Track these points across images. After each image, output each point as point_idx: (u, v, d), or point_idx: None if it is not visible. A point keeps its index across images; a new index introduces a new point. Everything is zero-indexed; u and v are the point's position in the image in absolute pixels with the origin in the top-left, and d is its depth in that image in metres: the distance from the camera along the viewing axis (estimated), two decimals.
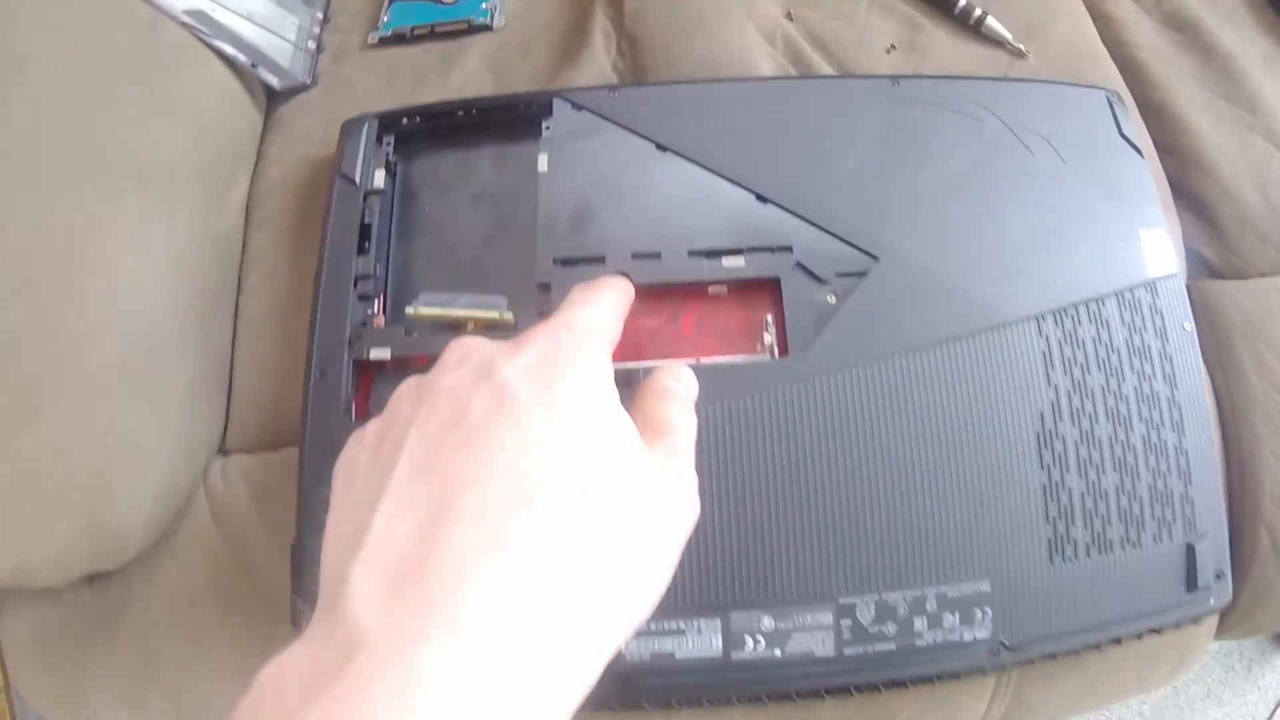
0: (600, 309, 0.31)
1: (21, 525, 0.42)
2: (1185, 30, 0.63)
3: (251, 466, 0.50)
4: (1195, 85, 0.61)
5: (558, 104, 0.50)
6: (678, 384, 0.33)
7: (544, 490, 0.24)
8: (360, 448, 0.28)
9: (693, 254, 0.46)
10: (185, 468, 0.48)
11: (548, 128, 0.49)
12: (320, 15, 0.61)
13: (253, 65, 0.56)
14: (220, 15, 0.54)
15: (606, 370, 0.28)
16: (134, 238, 0.47)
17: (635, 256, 0.46)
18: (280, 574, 0.44)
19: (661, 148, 0.48)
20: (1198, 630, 0.51)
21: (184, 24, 0.53)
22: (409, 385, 0.29)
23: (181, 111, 0.52)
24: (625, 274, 0.40)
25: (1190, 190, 0.59)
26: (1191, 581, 0.45)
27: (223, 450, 0.52)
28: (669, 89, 0.51)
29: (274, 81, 0.57)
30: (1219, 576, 0.45)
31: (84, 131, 0.47)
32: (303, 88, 0.59)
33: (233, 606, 0.47)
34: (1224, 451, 0.53)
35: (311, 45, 0.59)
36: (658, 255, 0.46)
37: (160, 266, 0.48)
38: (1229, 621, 0.54)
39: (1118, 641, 0.44)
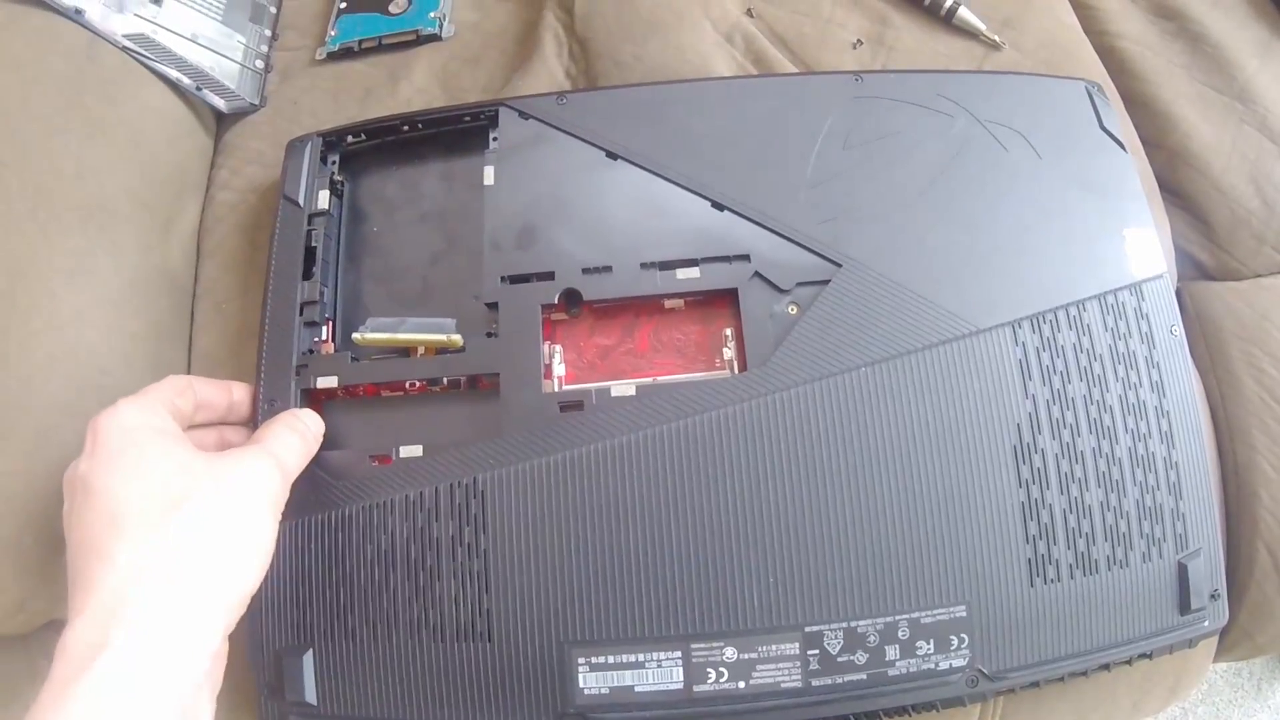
0: None
1: None
2: (1173, 18, 0.61)
3: None
4: (1184, 76, 0.58)
5: (504, 113, 0.48)
6: (290, 417, 0.42)
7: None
8: None
9: (645, 266, 0.44)
10: None
11: (495, 139, 0.48)
12: (268, 33, 0.59)
13: (197, 89, 0.54)
14: (163, 38, 0.53)
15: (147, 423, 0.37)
16: (78, 272, 0.46)
17: (585, 271, 0.44)
18: None
19: (612, 155, 0.47)
20: (1195, 653, 0.49)
21: (124, 48, 0.52)
22: None
23: (123, 140, 0.50)
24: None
25: (1179, 187, 0.57)
26: (1185, 603, 0.42)
27: None
28: (618, 93, 0.49)
29: (220, 104, 0.56)
30: (1214, 597, 0.43)
31: (22, 164, 0.46)
32: (251, 109, 0.57)
33: None
34: (1219, 464, 0.51)
35: (259, 65, 0.58)
36: (609, 269, 0.44)
37: (107, 301, 0.47)
38: (1228, 643, 0.52)
39: (1106, 668, 0.42)
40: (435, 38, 0.58)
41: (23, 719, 0.30)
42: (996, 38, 0.56)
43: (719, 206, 0.45)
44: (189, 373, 0.51)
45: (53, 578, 0.42)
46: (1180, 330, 0.45)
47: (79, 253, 0.46)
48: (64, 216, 0.46)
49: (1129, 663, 0.42)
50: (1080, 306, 0.44)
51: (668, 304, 0.45)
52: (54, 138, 0.47)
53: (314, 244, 0.47)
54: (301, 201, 0.48)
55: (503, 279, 0.45)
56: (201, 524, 0.35)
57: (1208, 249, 0.56)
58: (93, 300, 0.46)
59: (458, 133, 0.49)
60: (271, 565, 0.40)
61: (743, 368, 0.43)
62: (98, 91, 0.50)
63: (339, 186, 0.50)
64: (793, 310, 0.44)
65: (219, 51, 0.56)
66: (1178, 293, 0.55)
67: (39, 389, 0.43)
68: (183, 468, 0.36)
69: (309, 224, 0.47)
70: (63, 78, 0.49)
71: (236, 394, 0.44)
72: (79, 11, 0.51)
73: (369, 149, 0.50)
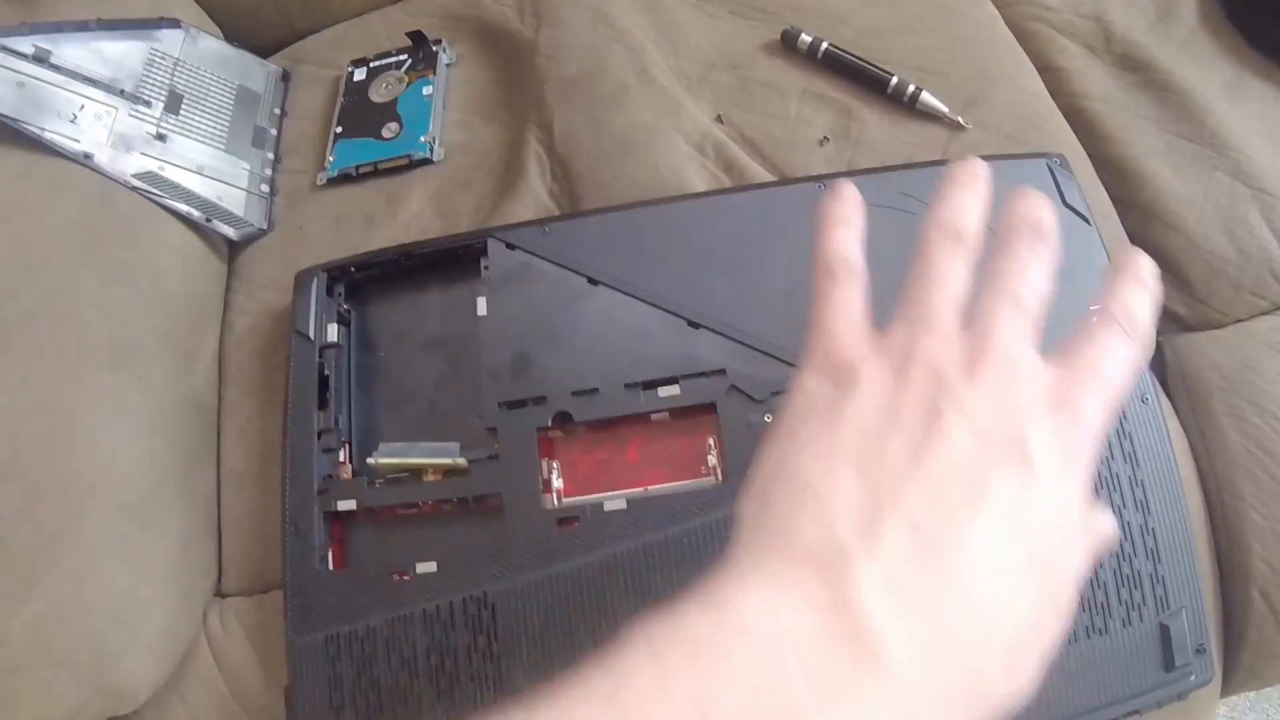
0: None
1: (34, 690, 0.45)
2: (1139, 70, 0.61)
3: (247, 610, 0.52)
4: (1153, 129, 0.59)
5: (492, 245, 0.51)
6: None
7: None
8: (860, 392, 0.27)
9: (629, 386, 0.47)
10: (184, 617, 0.51)
11: (486, 268, 0.51)
12: (271, 156, 0.62)
13: (207, 219, 0.58)
14: (170, 173, 0.56)
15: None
16: (112, 410, 0.50)
17: (575, 394, 0.47)
18: (279, 711, 0.46)
19: (593, 281, 0.49)
20: (1196, 702, 0.50)
21: (135, 188, 0.55)
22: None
23: (143, 280, 0.54)
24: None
25: (1154, 244, 0.57)
26: (1169, 661, 0.44)
27: (220, 594, 0.54)
28: (596, 220, 0.52)
29: (231, 233, 0.59)
30: (1199, 651, 0.44)
31: (48, 311, 0.50)
32: (260, 234, 0.60)
33: None
34: (1208, 515, 0.52)
35: (265, 189, 0.61)
36: (596, 391, 0.47)
37: (140, 433, 0.50)
38: (1235, 682, 0.53)
39: None
40: (427, 161, 0.61)
41: None
42: (960, 119, 0.57)
43: (694, 325, 0.48)
44: (219, 491, 0.55)
45: (105, 689, 0.46)
46: (1153, 397, 0.47)
47: (110, 391, 0.50)
48: (93, 358, 0.50)
49: None
50: None
51: (654, 417, 0.48)
52: (77, 283, 0.51)
53: (326, 374, 0.50)
54: (312, 335, 0.51)
55: (500, 404, 0.48)
56: None
57: (1186, 302, 0.57)
58: (126, 434, 0.50)
59: (454, 260, 0.53)
60: (306, 672, 0.45)
61: (726, 475, 0.46)
62: (115, 235, 0.54)
63: (346, 316, 0.53)
64: (768, 419, 0.46)
65: (225, 180, 0.59)
66: (1158, 347, 0.56)
67: (82, 518, 0.47)
68: None
69: (320, 356, 0.51)
70: (80, 224, 0.53)
71: None
72: (88, 156, 0.54)
73: (373, 277, 0.54)
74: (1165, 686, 0.44)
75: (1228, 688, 0.54)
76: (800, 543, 0.25)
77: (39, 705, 0.45)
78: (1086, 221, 0.50)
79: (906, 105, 0.58)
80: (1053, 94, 0.61)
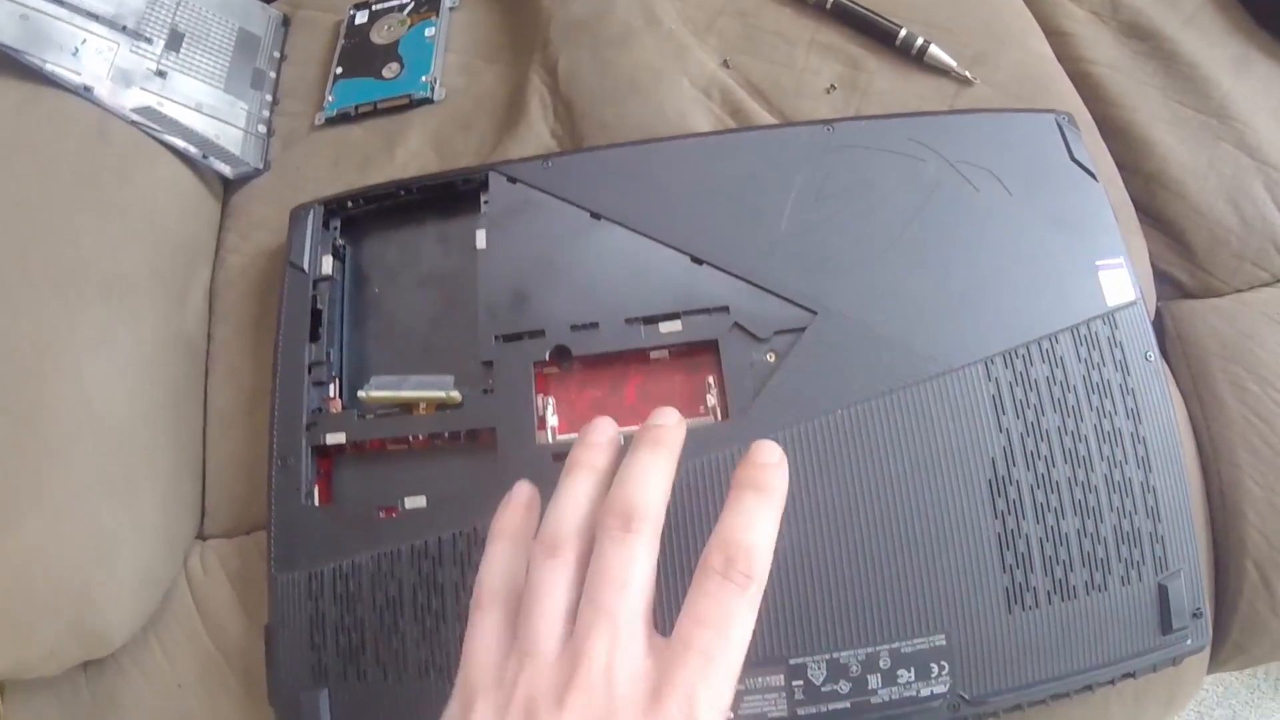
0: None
1: (12, 628, 0.43)
2: (1146, 39, 0.61)
3: (228, 552, 0.51)
4: (1159, 98, 0.59)
5: (493, 178, 0.50)
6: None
7: None
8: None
9: (630, 321, 0.46)
10: (165, 559, 0.50)
11: (486, 203, 0.50)
12: (269, 98, 0.62)
13: (204, 157, 0.57)
14: (169, 109, 0.56)
15: None
16: (100, 344, 0.49)
17: (574, 328, 0.47)
18: (258, 655, 0.45)
19: (596, 216, 0.49)
20: (1187, 669, 0.50)
21: (133, 122, 0.54)
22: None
23: (137, 215, 0.53)
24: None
25: (1157, 210, 0.57)
26: (1166, 623, 0.43)
27: (201, 536, 0.53)
28: (600, 155, 0.51)
29: (227, 171, 0.58)
30: (1196, 615, 0.44)
31: (43, 243, 0.49)
32: (256, 174, 0.60)
33: (217, 689, 0.48)
34: (1204, 484, 0.52)
35: (262, 129, 0.61)
36: (595, 325, 0.46)
37: (128, 369, 0.50)
38: (1222, 657, 0.52)
39: (1090, 689, 0.43)
40: (428, 101, 0.60)
41: None
42: (968, 74, 0.57)
43: (698, 261, 0.47)
44: (204, 431, 0.54)
45: (83, 630, 0.45)
46: (1155, 355, 0.46)
47: (100, 325, 0.49)
48: (85, 291, 0.49)
49: (1112, 682, 0.43)
50: (1053, 339, 0.46)
51: (653, 355, 0.47)
52: (73, 216, 0.50)
53: (319, 307, 0.49)
54: (306, 267, 0.50)
55: (497, 338, 0.47)
56: None
57: (1188, 269, 0.57)
58: (115, 369, 0.49)
59: (452, 196, 0.52)
60: (289, 611, 0.44)
61: (725, 415, 0.45)
62: (111, 169, 0.53)
63: (341, 251, 0.52)
64: (771, 358, 0.45)
65: (223, 119, 0.59)
66: (1158, 313, 0.56)
67: (66, 453, 0.46)
68: None
69: (314, 289, 0.50)
70: (77, 157, 0.52)
71: None
72: (88, 89, 0.54)
73: (369, 213, 0.53)
74: (1161, 649, 0.44)
75: (1215, 663, 0.53)
76: None
77: (15, 645, 0.44)
78: (1093, 177, 0.50)
79: (914, 59, 0.58)
80: (1059, 59, 0.61)
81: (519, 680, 0.31)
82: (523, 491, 0.38)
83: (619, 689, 0.30)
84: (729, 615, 0.31)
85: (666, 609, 0.34)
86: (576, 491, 0.35)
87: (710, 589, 0.32)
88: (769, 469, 0.35)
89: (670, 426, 0.37)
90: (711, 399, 0.46)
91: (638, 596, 0.32)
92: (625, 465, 0.35)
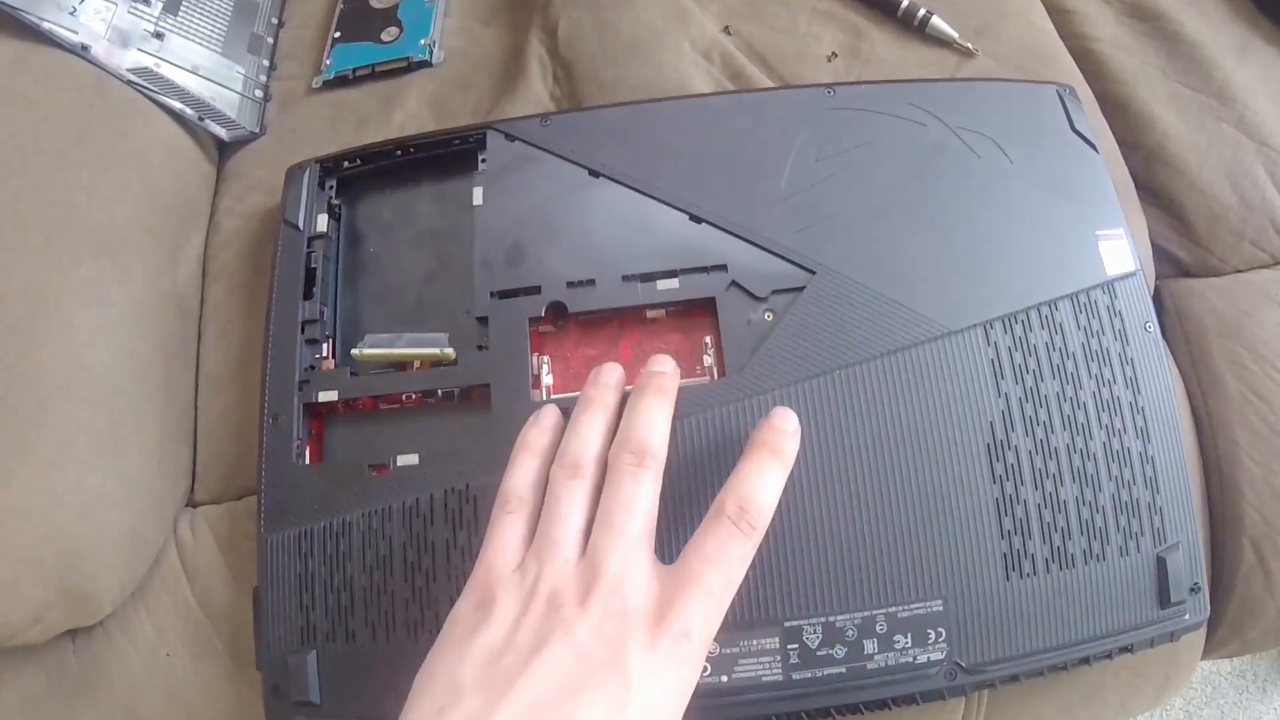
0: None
1: None
2: (1149, 19, 0.61)
3: (218, 517, 0.51)
4: (1160, 77, 0.59)
5: (491, 136, 0.50)
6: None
7: None
8: (493, 617, 0.34)
9: (627, 279, 0.46)
10: (154, 523, 0.49)
11: (483, 161, 0.50)
12: (266, 63, 0.61)
13: (200, 119, 0.56)
14: (166, 71, 0.55)
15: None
16: (92, 299, 0.48)
17: (570, 285, 0.46)
18: (248, 622, 0.44)
19: (594, 173, 0.48)
20: (1183, 649, 0.49)
21: (129, 82, 0.54)
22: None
23: (131, 172, 0.53)
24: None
25: (1157, 187, 0.57)
26: (1164, 597, 0.43)
27: (191, 503, 0.52)
28: (600, 113, 0.51)
29: (222, 133, 0.58)
30: (1194, 590, 0.43)
31: (37, 197, 0.49)
32: (252, 137, 0.59)
33: (204, 655, 0.47)
34: (1202, 461, 0.51)
35: (259, 94, 0.60)
36: (592, 282, 0.46)
37: (119, 326, 0.49)
38: (1217, 640, 0.52)
39: (1086, 661, 0.43)
40: (426, 64, 0.60)
41: None
42: (970, 45, 0.57)
43: (697, 219, 0.47)
44: (196, 392, 0.53)
45: (70, 592, 0.44)
46: (1155, 326, 0.46)
47: (92, 280, 0.48)
48: (77, 246, 0.49)
49: (1109, 656, 0.43)
50: (1052, 306, 0.45)
51: (650, 314, 0.47)
52: (67, 171, 0.50)
53: (314, 265, 0.49)
54: (301, 225, 0.50)
55: (492, 294, 0.46)
56: None
57: (1187, 247, 0.57)
58: (105, 325, 0.48)
59: (448, 156, 0.51)
60: (277, 571, 0.43)
61: (722, 374, 0.45)
62: (106, 125, 0.53)
63: (336, 210, 0.52)
64: (769, 317, 0.45)
65: (219, 82, 0.58)
66: (1157, 291, 0.56)
67: (56, 408, 0.45)
68: None
69: (308, 246, 0.49)
70: (73, 113, 0.52)
71: None
72: (85, 48, 0.53)
73: (365, 173, 0.52)
74: (1159, 623, 0.43)
75: (1210, 646, 0.53)
76: None
77: (1, 605, 0.43)
78: (1093, 148, 0.50)
79: (916, 29, 0.58)
80: (1061, 35, 0.61)
81: (541, 578, 0.34)
82: (551, 413, 0.41)
83: (630, 600, 0.33)
84: (731, 557, 0.35)
85: (664, 540, 0.37)
86: (593, 423, 0.39)
87: (721, 533, 0.35)
88: (785, 435, 0.38)
89: (669, 374, 0.41)
90: (708, 358, 0.45)
91: (646, 522, 0.36)
92: (633, 406, 0.39)
